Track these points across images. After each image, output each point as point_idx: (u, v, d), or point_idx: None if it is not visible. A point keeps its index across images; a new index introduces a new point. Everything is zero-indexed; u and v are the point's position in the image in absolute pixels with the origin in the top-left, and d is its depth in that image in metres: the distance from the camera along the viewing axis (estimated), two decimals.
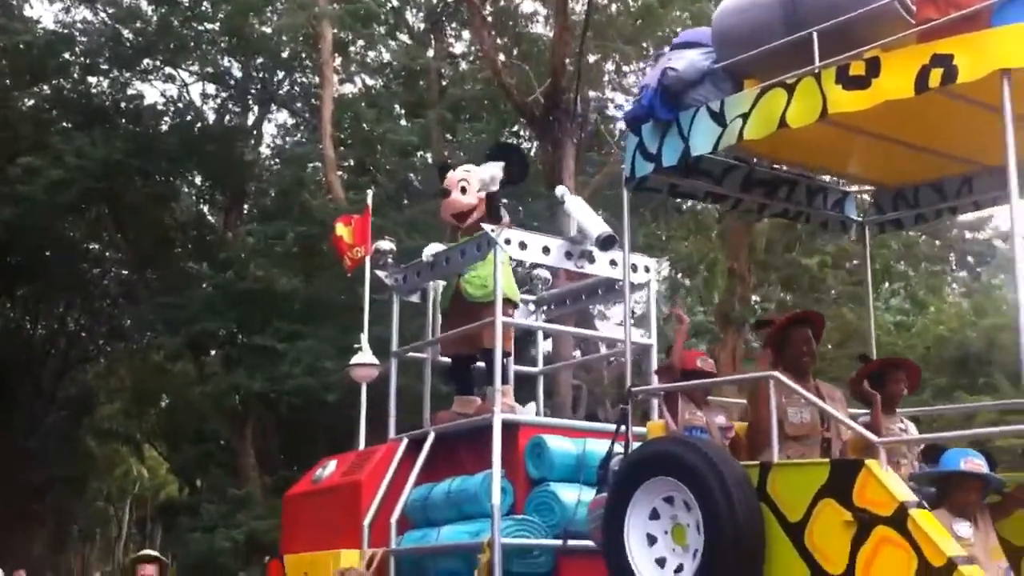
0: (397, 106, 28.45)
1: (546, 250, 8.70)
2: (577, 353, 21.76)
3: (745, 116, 6.67)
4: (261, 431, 27.70)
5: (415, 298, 10.01)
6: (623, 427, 7.32)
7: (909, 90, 5.97)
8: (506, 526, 7.84)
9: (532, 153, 25.80)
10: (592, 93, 27.02)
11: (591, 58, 25.99)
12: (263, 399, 26.22)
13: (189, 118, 29.74)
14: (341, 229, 11.36)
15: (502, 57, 26.27)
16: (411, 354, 10.12)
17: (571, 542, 7.93)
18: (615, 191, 23.08)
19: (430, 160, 27.62)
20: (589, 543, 7.77)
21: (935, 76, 5.86)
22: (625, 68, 27.81)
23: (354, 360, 11.20)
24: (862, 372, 7.75)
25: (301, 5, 25.17)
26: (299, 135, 30.49)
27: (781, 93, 6.46)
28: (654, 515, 6.73)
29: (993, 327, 26.39)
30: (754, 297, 26.56)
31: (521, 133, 28.53)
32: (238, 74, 29.74)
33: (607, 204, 25.45)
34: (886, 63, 6.04)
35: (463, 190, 9.43)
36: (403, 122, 27.35)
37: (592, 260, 8.87)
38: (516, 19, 27.99)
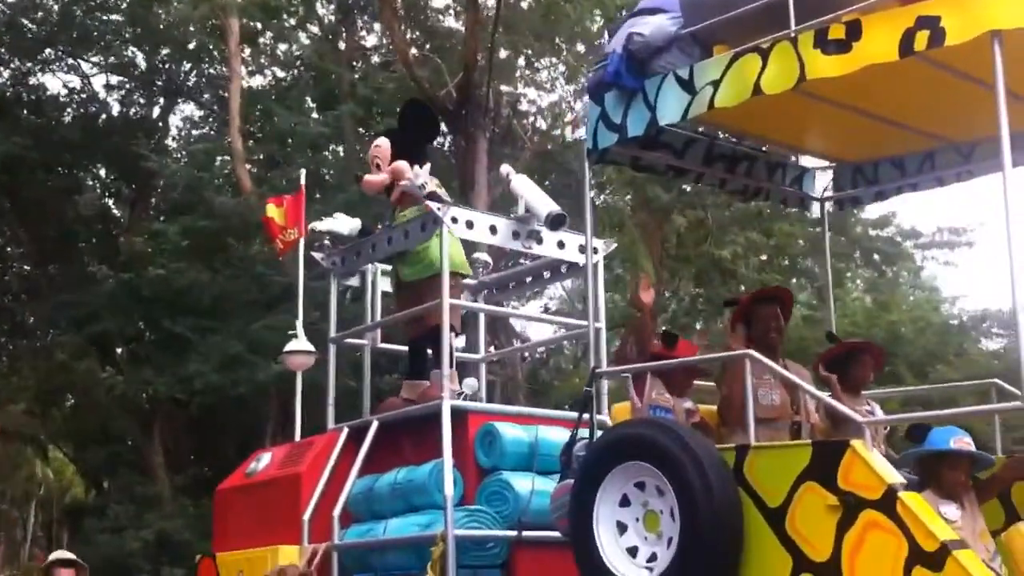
0: (309, 99, 27.80)
1: (493, 230, 8.31)
2: (492, 349, 21.42)
3: (716, 83, 6.31)
4: (170, 430, 26.92)
5: (354, 281, 9.55)
6: (587, 411, 6.96)
7: (893, 54, 5.65)
8: (458, 517, 7.44)
9: (445, 147, 25.48)
10: (504, 88, 26.66)
11: (503, 53, 25.66)
12: (172, 398, 25.49)
13: (93, 110, 28.83)
14: (272, 210, 10.87)
15: (414, 51, 25.88)
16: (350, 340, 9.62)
17: (526, 532, 7.57)
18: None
19: (342, 154, 27.18)
20: (544, 534, 7.46)
21: (921, 39, 5.54)
22: (536, 64, 27.44)
23: (288, 347, 10.69)
24: (825, 355, 7.50)
25: None
26: (207, 128, 29.70)
27: (755, 59, 6.11)
28: (624, 502, 6.39)
29: (898, 321, 26.72)
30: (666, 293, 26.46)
31: None
32: (143, 65, 28.86)
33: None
34: (868, 26, 5.71)
35: (376, 166, 9.13)
36: (315, 115, 26.70)
37: (540, 241, 8.51)
38: (427, 13, 27.51)
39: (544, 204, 8.33)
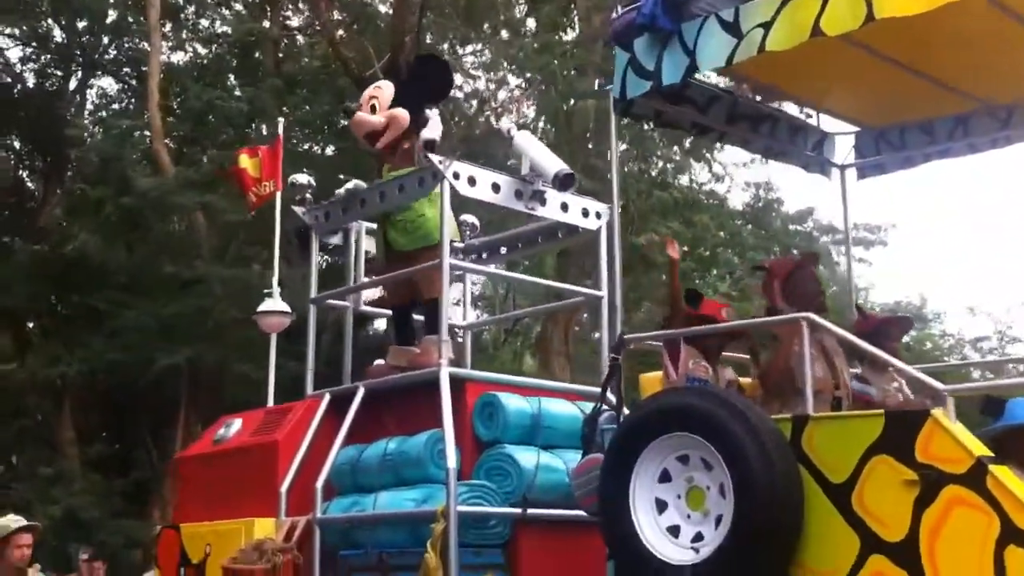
0: (232, 77, 26.73)
1: (496, 188, 7.54)
2: None
3: (767, 25, 5.63)
4: (81, 406, 25.71)
5: (336, 239, 8.71)
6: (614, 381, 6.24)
7: None
8: (459, 492, 6.65)
9: None
10: None
11: (429, 38, 24.93)
12: (84, 375, 24.32)
13: (8, 81, 27.43)
14: (245, 161, 9.99)
15: (341, 32, 25.05)
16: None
17: (531, 510, 6.84)
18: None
19: (265, 132, 26.21)
20: (550, 511, 6.77)
21: None
22: (461, 50, 26.70)
23: (263, 307, 9.81)
24: (856, 329, 6.88)
25: None
26: (124, 102, 28.46)
27: None
28: (664, 477, 5.68)
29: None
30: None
31: None
32: (60, 37, 27.55)
33: None
34: None
35: (372, 108, 8.19)
36: (237, 92, 25.65)
37: (544, 202, 7.74)
38: None
39: (552, 162, 7.58)
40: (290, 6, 27.49)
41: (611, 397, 6.42)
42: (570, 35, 24.81)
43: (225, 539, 7.44)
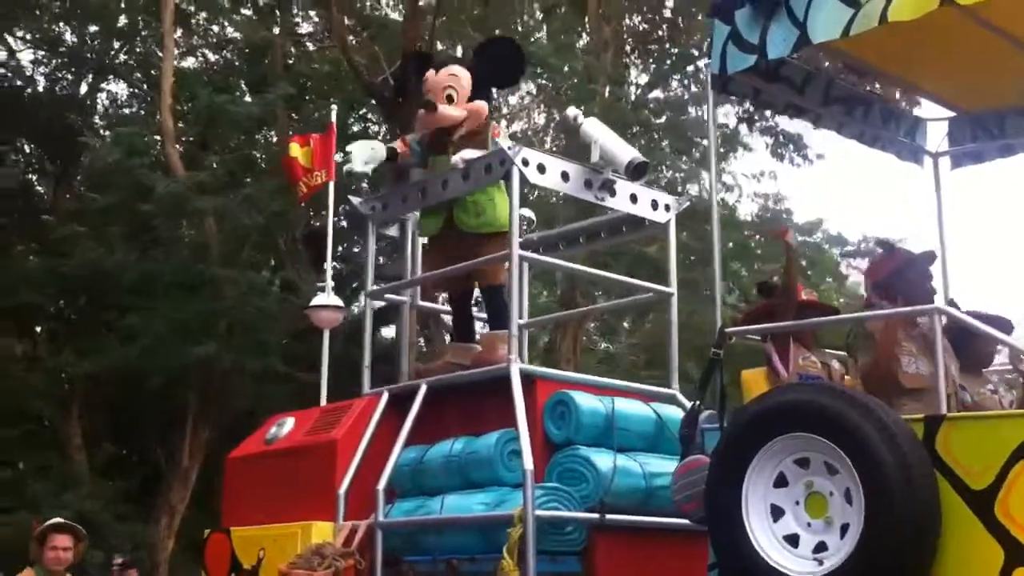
0: (242, 83, 26.15)
1: (565, 176, 6.97)
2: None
3: None
4: (89, 410, 25.03)
5: (393, 231, 8.11)
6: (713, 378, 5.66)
7: None
8: (536, 496, 6.05)
9: (380, 137, 24.11)
10: None
11: (440, 46, 24.39)
12: (92, 379, 23.65)
13: (19, 84, 26.77)
14: (296, 150, 9.40)
15: (352, 39, 24.49)
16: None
17: (609, 516, 6.26)
18: None
19: (274, 139, 25.68)
20: (627, 517, 6.22)
21: None
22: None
23: (315, 301, 9.19)
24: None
25: None
26: (135, 107, 27.83)
27: None
28: (780, 481, 5.09)
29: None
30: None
31: (369, 116, 26.60)
32: (71, 41, 26.90)
33: None
34: None
35: (449, 99, 7.53)
36: (247, 99, 25.07)
37: (613, 192, 7.16)
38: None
39: (624, 150, 7.00)
40: (300, 12, 26.91)
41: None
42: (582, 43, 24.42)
43: (280, 543, 6.84)
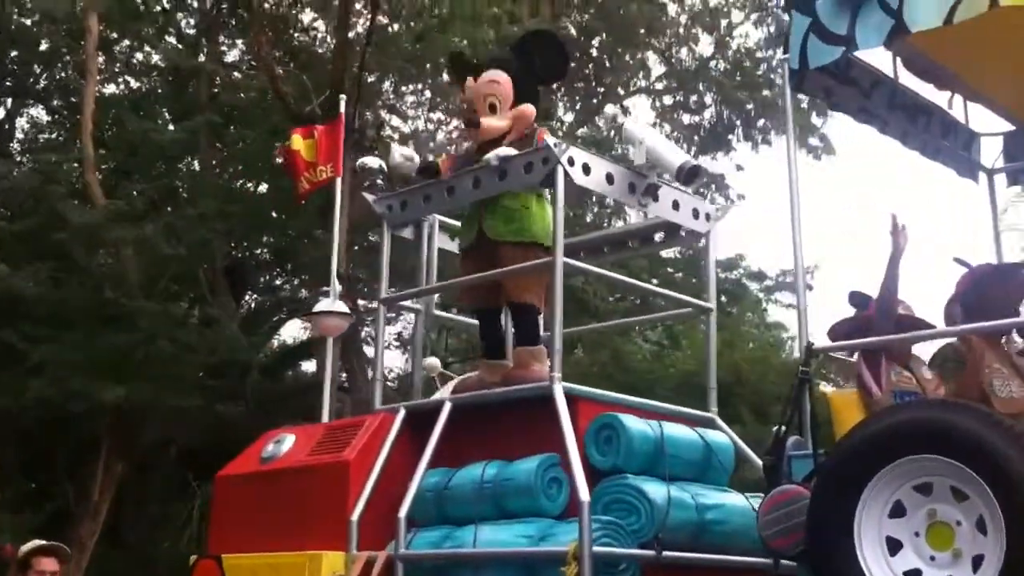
0: (166, 111, 25.21)
1: (610, 179, 6.33)
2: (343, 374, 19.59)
3: None
4: None
5: (407, 233, 7.38)
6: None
7: None
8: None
9: None
10: (369, 115, 24.77)
11: (371, 78, 23.79)
12: (2, 411, 22.36)
13: None
14: (299, 143, 8.59)
15: (280, 71, 23.74)
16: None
17: (666, 552, 5.60)
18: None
19: (197, 167, 24.78)
20: (684, 554, 5.55)
21: None
22: (403, 89, 25.54)
23: (319, 307, 8.37)
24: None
25: None
26: (55, 133, 26.67)
27: None
28: (897, 511, 4.46)
29: (740, 360, 25.42)
30: None
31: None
32: None
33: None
34: None
35: (492, 108, 6.82)
36: (171, 127, 24.15)
37: (656, 198, 6.53)
38: (294, 29, 25.37)
39: (674, 152, 6.39)
40: (227, 41, 26.09)
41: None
42: None
43: (282, 573, 6.04)
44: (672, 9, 23.83)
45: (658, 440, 5.98)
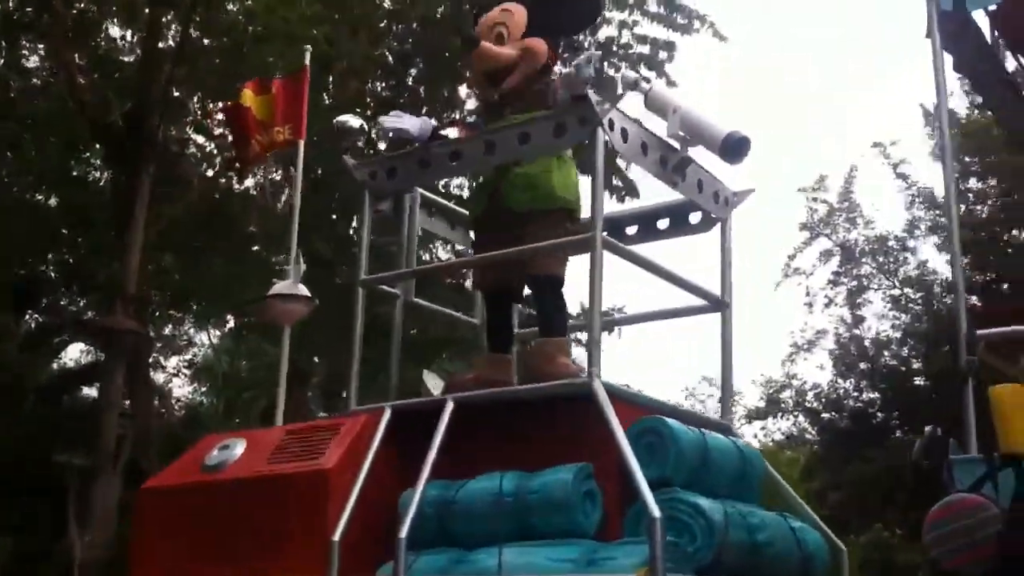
0: None
1: (645, 149, 5.32)
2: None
3: None
4: None
5: (384, 206, 6.12)
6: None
7: None
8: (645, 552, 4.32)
9: (103, 182, 22.25)
10: (174, 132, 23.20)
11: (176, 93, 22.22)
12: None
13: None
14: (250, 98, 7.16)
15: (82, 80, 21.81)
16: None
17: None
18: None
19: None
20: None
21: None
22: (211, 105, 23.93)
23: (275, 289, 6.96)
24: None
25: None
26: None
27: None
28: None
29: None
30: None
31: (92, 160, 23.85)
32: None
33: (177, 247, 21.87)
34: None
35: (499, 37, 5.70)
36: None
37: (684, 176, 5.56)
38: (99, 38, 23.47)
39: (716, 121, 5.39)
40: (27, 45, 23.92)
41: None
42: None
43: None
44: None
45: (703, 448, 4.99)
